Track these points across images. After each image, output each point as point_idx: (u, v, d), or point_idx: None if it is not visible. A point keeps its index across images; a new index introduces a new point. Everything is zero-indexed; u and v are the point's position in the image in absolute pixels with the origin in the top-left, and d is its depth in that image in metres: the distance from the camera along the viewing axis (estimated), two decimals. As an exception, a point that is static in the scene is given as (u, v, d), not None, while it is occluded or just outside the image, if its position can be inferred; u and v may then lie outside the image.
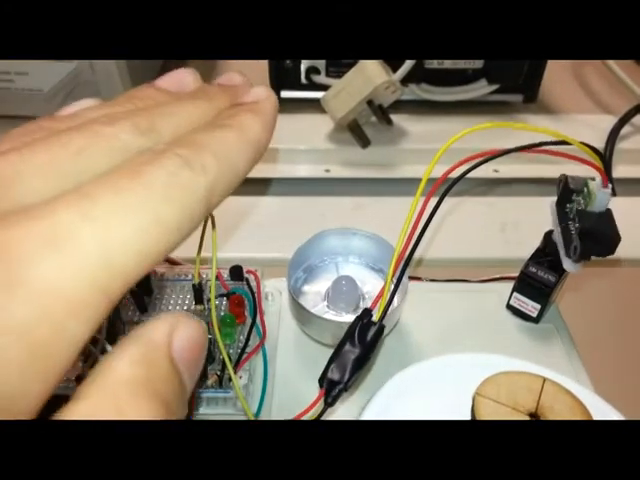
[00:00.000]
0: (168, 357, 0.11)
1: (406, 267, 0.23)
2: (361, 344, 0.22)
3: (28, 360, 0.09)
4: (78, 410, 0.09)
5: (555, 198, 0.27)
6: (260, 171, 0.44)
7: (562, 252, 0.26)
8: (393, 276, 0.23)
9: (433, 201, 0.26)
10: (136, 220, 0.10)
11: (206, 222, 0.22)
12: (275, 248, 0.35)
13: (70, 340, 0.09)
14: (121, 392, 0.10)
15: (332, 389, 0.21)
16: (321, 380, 0.21)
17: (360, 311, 0.27)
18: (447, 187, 0.25)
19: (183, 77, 0.16)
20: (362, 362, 0.21)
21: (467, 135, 0.47)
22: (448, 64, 0.47)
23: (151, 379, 0.10)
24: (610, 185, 0.25)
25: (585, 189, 0.25)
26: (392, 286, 0.23)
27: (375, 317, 0.22)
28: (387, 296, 0.22)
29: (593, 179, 0.25)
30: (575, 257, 0.25)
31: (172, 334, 0.11)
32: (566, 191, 0.26)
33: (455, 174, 0.40)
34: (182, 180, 0.11)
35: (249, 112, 0.14)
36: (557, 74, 0.51)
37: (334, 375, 0.21)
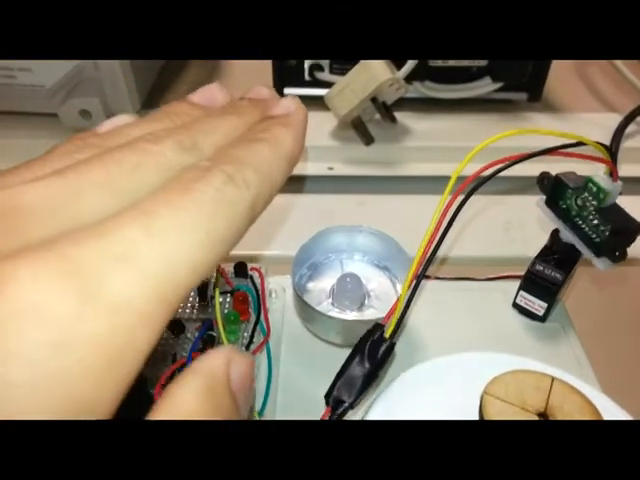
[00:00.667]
0: (228, 388, 0.12)
1: (420, 280, 0.22)
2: (370, 361, 0.21)
3: (105, 369, 0.09)
4: None
5: (540, 197, 0.27)
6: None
7: (588, 253, 0.25)
8: (409, 287, 0.22)
9: (429, 198, 0.25)
10: (191, 236, 0.11)
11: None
12: (279, 245, 0.35)
13: (140, 348, 0.10)
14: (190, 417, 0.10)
15: (338, 407, 0.20)
16: (327, 397, 0.21)
17: (364, 308, 0.27)
18: (472, 189, 0.25)
19: (214, 92, 0.17)
20: (371, 381, 0.21)
21: (471, 131, 0.47)
22: (452, 62, 0.46)
23: (215, 410, 0.11)
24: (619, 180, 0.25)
25: (591, 186, 0.25)
26: (406, 300, 0.22)
27: (386, 333, 0.22)
28: (400, 311, 0.21)
29: (597, 175, 0.25)
30: (616, 258, 0.24)
31: (229, 366, 0.12)
32: (559, 189, 0.26)
33: (443, 172, 0.40)
34: (228, 196, 0.12)
35: (281, 125, 0.15)
36: (562, 72, 0.51)
37: (341, 393, 0.20)
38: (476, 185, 0.24)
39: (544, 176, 0.27)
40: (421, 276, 0.22)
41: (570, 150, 0.25)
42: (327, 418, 0.20)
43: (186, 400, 0.11)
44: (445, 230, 0.23)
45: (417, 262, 0.22)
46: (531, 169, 0.44)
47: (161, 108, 0.15)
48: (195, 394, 0.11)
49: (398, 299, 0.22)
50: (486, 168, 0.25)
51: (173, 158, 0.13)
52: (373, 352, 0.21)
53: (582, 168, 0.27)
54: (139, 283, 0.10)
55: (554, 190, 0.26)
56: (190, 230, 0.11)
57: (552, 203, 0.26)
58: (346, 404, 0.20)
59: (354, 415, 0.24)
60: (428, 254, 0.22)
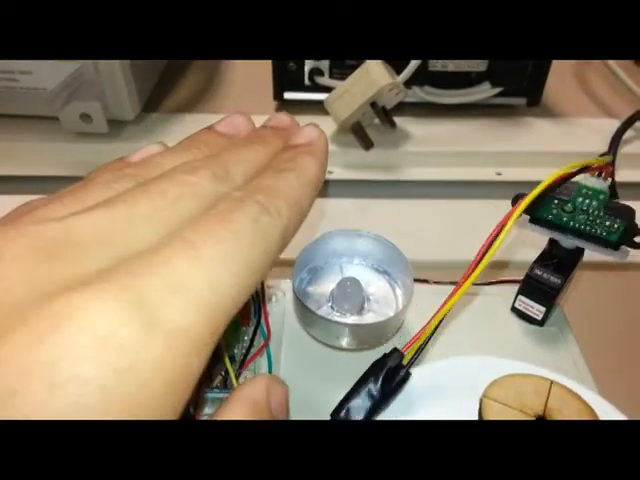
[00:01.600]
0: (270, 414, 0.13)
1: (448, 310, 0.22)
2: (383, 389, 0.20)
3: (164, 393, 0.10)
4: None
5: (521, 217, 0.27)
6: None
7: (604, 250, 0.25)
8: (440, 319, 0.21)
9: (428, 203, 0.25)
10: (233, 266, 0.12)
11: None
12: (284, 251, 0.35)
13: (194, 372, 0.11)
14: None
15: None
16: (334, 415, 0.20)
17: (364, 312, 0.27)
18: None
19: (238, 122, 0.17)
20: (380, 408, 0.20)
21: (470, 136, 0.47)
22: (452, 67, 0.47)
23: None
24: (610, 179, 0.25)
25: (586, 191, 0.25)
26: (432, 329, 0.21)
27: (404, 360, 0.21)
28: (426, 338, 0.21)
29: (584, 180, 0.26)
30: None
31: (269, 394, 0.13)
32: (541, 204, 0.26)
33: (442, 177, 0.40)
34: (263, 226, 0.13)
35: (306, 154, 0.15)
36: (560, 77, 0.52)
37: (348, 416, 0.20)
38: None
39: (519, 196, 0.27)
40: (447, 311, 0.22)
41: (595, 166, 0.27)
42: None
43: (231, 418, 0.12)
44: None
45: (459, 292, 0.22)
46: (523, 174, 0.44)
47: (188, 137, 0.16)
48: (240, 412, 0.12)
49: (424, 328, 0.21)
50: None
51: (209, 188, 0.13)
52: (388, 379, 0.20)
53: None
54: (192, 312, 0.11)
55: (535, 207, 0.26)
56: (232, 260, 0.12)
57: (537, 219, 0.27)
58: None
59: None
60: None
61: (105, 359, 0.09)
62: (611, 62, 0.49)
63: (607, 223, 0.25)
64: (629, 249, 0.25)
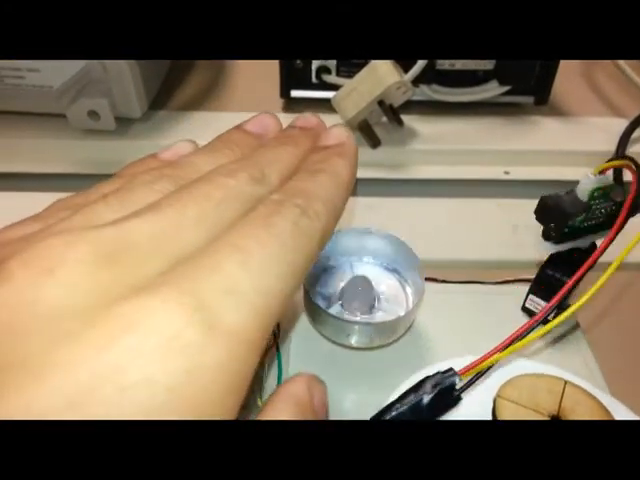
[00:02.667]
0: (314, 412, 0.13)
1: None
2: (430, 409, 0.19)
3: (225, 393, 0.10)
4: None
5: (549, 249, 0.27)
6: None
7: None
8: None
9: (435, 201, 0.25)
10: (278, 268, 0.12)
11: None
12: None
13: (250, 371, 0.11)
14: None
15: None
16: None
17: (374, 311, 0.27)
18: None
19: (267, 121, 0.18)
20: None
21: (477, 135, 0.47)
22: (459, 65, 0.47)
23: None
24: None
25: (596, 194, 0.26)
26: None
27: (458, 384, 0.20)
28: (488, 365, 0.19)
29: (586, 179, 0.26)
30: None
31: (310, 392, 0.13)
32: (567, 225, 0.26)
33: (449, 175, 0.40)
34: (304, 229, 0.13)
35: (338, 156, 0.16)
36: (568, 76, 0.51)
37: None
38: None
39: (550, 230, 0.26)
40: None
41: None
42: None
43: (280, 416, 0.12)
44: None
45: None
46: (534, 173, 0.44)
47: (218, 137, 0.17)
48: (286, 410, 0.12)
49: (488, 354, 0.20)
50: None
51: (248, 190, 0.14)
52: (438, 399, 0.19)
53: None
54: (246, 315, 0.11)
55: (563, 230, 0.26)
56: (277, 263, 0.12)
57: (559, 237, 0.26)
58: None
59: (363, 400, 0.24)
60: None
61: (172, 361, 0.10)
62: (620, 61, 0.49)
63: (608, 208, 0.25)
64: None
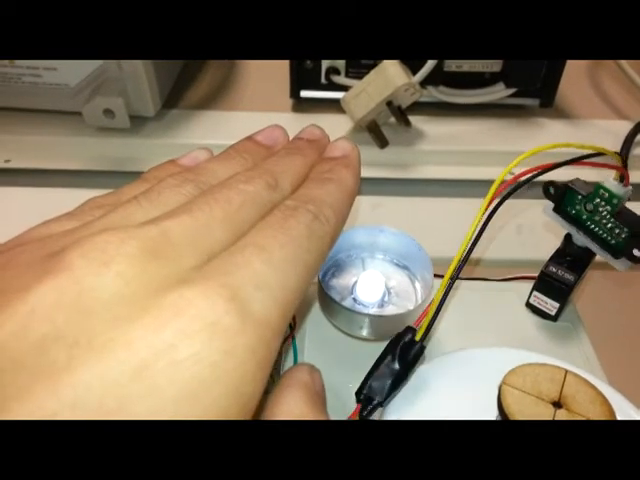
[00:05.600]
0: (316, 392, 0.15)
1: (451, 287, 0.23)
2: (401, 363, 0.22)
3: (256, 371, 0.12)
4: None
5: (547, 204, 0.28)
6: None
7: (606, 256, 0.27)
8: (442, 294, 0.23)
9: (442, 201, 0.26)
10: (295, 267, 0.14)
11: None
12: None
13: (274, 354, 0.13)
14: (307, 413, 0.14)
15: (368, 404, 0.21)
16: (358, 394, 0.22)
17: (385, 305, 0.28)
18: (502, 198, 0.26)
19: (276, 134, 0.19)
20: (400, 381, 0.22)
21: (484, 136, 0.48)
22: (466, 67, 0.48)
23: (317, 410, 0.15)
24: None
25: (602, 192, 0.26)
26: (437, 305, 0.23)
27: (417, 336, 0.23)
28: (432, 313, 0.22)
29: (603, 182, 0.26)
30: (638, 258, 0.26)
31: (312, 377, 0.16)
32: (568, 196, 0.27)
33: (456, 176, 0.41)
34: (316, 232, 0.15)
35: (343, 166, 0.17)
36: (574, 79, 0.52)
37: (371, 392, 0.22)
38: (510, 191, 0.26)
39: (550, 184, 0.28)
40: (454, 280, 0.23)
41: (593, 160, 0.27)
42: (357, 415, 0.22)
43: (297, 406, 0.14)
44: (479, 234, 0.24)
45: (454, 267, 0.23)
46: (544, 174, 0.45)
47: (232, 146, 0.18)
48: (302, 401, 0.14)
49: (431, 303, 0.23)
50: (523, 175, 0.26)
51: (264, 196, 0.15)
52: (404, 354, 0.22)
53: (585, 174, 0.29)
54: (272, 306, 0.13)
55: (563, 197, 0.27)
56: (294, 262, 0.14)
57: (560, 210, 0.28)
58: (375, 402, 0.21)
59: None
60: (462, 258, 0.24)
61: (214, 342, 0.11)
62: (624, 64, 0.49)
63: (616, 230, 0.26)
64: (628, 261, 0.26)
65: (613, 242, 0.26)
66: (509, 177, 0.25)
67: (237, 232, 0.14)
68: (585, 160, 0.26)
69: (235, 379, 0.11)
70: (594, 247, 0.27)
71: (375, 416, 0.22)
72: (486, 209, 0.24)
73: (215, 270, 0.13)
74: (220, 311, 0.11)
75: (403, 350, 0.22)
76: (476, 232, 0.23)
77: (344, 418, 0.22)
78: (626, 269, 0.26)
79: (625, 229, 0.25)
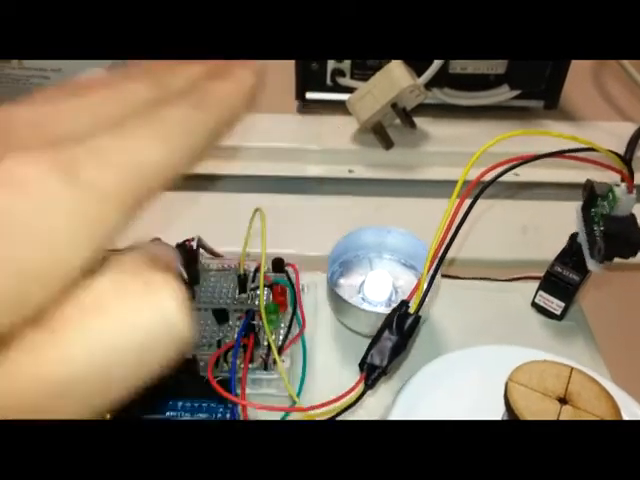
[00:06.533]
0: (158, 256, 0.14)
1: (440, 263, 0.24)
2: (399, 332, 0.23)
3: (77, 234, 0.11)
4: (100, 282, 0.12)
5: (580, 203, 0.28)
6: (280, 169, 0.45)
7: (587, 253, 0.27)
8: (428, 271, 0.24)
9: (446, 202, 0.27)
10: (153, 146, 0.13)
11: (251, 223, 0.24)
12: (304, 245, 0.37)
13: (107, 227, 0.12)
14: (137, 267, 0.13)
15: (372, 373, 0.22)
16: (361, 365, 0.23)
17: (393, 304, 0.28)
18: (480, 190, 0.27)
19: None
20: (399, 349, 0.23)
21: (488, 137, 0.48)
22: (471, 69, 0.48)
23: (155, 264, 0.13)
24: (634, 191, 0.26)
25: (610, 194, 0.27)
26: (428, 280, 0.24)
27: (411, 309, 0.24)
28: (423, 288, 0.24)
29: (618, 185, 0.26)
30: (599, 258, 0.26)
31: (156, 247, 0.14)
32: (592, 196, 0.27)
33: (457, 176, 0.42)
34: (193, 116, 0.13)
35: (238, 65, 0.16)
36: (578, 81, 0.52)
37: (374, 360, 0.23)
38: (488, 182, 0.26)
39: (587, 184, 0.28)
40: (442, 258, 0.24)
41: (580, 155, 0.27)
42: (362, 383, 0.23)
43: (127, 257, 0.13)
44: (466, 213, 0.26)
45: (437, 242, 0.24)
46: (548, 175, 0.45)
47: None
48: (134, 253, 0.13)
49: (420, 277, 0.24)
50: (495, 167, 0.27)
51: (142, 92, 0.14)
52: (401, 325, 0.24)
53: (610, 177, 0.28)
54: (109, 173, 0.12)
55: (588, 197, 0.28)
56: (155, 138, 0.13)
57: (586, 209, 0.28)
58: (379, 370, 0.22)
59: (384, 393, 0.25)
60: (448, 237, 0.25)
61: (26, 197, 0.11)
62: (628, 66, 0.50)
63: (602, 228, 0.27)
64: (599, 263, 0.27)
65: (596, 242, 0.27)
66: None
67: (94, 121, 0.13)
68: (572, 154, 0.26)
69: (54, 234, 0.11)
70: (584, 247, 0.27)
71: (381, 397, 0.23)
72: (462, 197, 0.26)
73: (50, 142, 0.12)
74: (40, 170, 0.11)
75: (399, 321, 0.24)
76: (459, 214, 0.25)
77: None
78: (598, 270, 0.27)
79: (602, 229, 0.26)
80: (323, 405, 0.22)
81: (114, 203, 0.12)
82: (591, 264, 0.27)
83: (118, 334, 0.12)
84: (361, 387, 0.23)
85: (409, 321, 0.24)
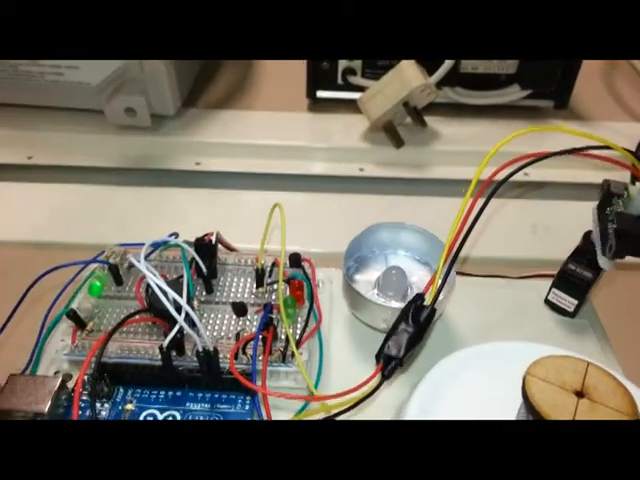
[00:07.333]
0: None
1: (455, 260, 0.25)
2: (415, 324, 0.24)
3: None
4: None
5: (596, 202, 0.29)
6: (291, 167, 0.46)
7: (599, 251, 0.27)
8: (444, 265, 0.24)
9: (456, 201, 0.27)
10: None
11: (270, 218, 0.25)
12: (316, 243, 0.37)
13: None
14: None
15: (388, 364, 0.23)
16: (378, 356, 0.23)
17: (407, 299, 0.29)
18: (494, 188, 0.27)
19: None
20: (415, 341, 0.23)
21: (498, 137, 0.48)
22: (482, 69, 0.48)
23: None
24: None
25: (625, 193, 0.27)
26: (443, 274, 0.24)
27: (427, 301, 0.24)
28: (438, 282, 0.24)
29: (634, 184, 0.27)
30: (610, 255, 0.26)
31: None
32: (607, 195, 0.27)
33: (471, 176, 0.42)
34: None
35: None
36: (588, 81, 0.53)
37: (390, 351, 0.23)
38: (502, 180, 0.26)
39: (604, 183, 0.28)
40: (457, 254, 0.25)
41: (593, 152, 0.27)
42: (379, 374, 0.23)
43: None
44: (481, 209, 0.26)
45: (452, 238, 0.25)
46: (558, 174, 0.45)
47: None
48: None
49: (436, 271, 0.24)
50: (507, 165, 0.27)
51: None
52: (417, 317, 0.24)
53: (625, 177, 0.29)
54: None
55: (604, 195, 0.28)
56: None
57: (601, 208, 0.28)
58: (396, 360, 0.23)
59: (401, 387, 0.26)
60: (463, 232, 0.25)
61: None
62: (639, 66, 0.50)
63: (614, 226, 0.27)
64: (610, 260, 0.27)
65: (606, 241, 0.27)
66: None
67: None
68: (586, 152, 0.26)
69: None
70: (597, 245, 0.28)
71: (398, 390, 0.23)
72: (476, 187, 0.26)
73: None
74: None
75: (415, 313, 0.24)
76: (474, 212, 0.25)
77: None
78: (609, 268, 0.27)
79: (614, 227, 0.26)
80: (340, 395, 0.23)
81: None
82: (602, 261, 0.27)
83: None
84: (378, 378, 0.23)
85: (425, 313, 0.24)
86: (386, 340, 0.24)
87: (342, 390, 0.23)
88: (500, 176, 0.28)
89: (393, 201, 0.44)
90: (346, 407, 0.23)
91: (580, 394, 0.20)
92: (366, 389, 0.23)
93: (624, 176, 0.28)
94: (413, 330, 0.24)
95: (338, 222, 0.40)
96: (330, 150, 0.48)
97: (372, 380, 0.23)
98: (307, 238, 0.38)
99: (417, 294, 0.25)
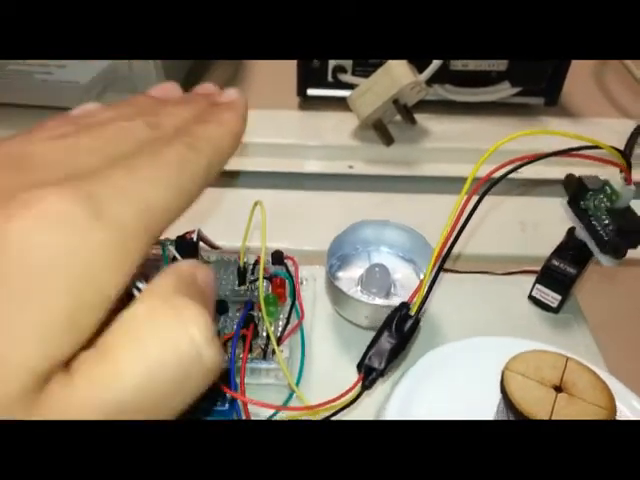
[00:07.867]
0: (195, 281, 0.15)
1: (443, 265, 0.24)
2: (398, 335, 0.23)
3: (105, 267, 0.12)
4: (137, 310, 0.13)
5: (563, 197, 0.29)
6: (281, 165, 0.46)
7: (595, 250, 0.27)
8: (432, 271, 0.24)
9: (446, 198, 0.27)
10: (163, 186, 0.14)
11: (252, 215, 0.25)
12: (303, 241, 0.37)
13: (130, 260, 0.13)
14: (170, 294, 0.14)
15: (369, 374, 0.23)
16: (359, 366, 0.23)
17: (391, 296, 0.29)
18: (487, 188, 0.27)
19: (168, 88, 0.20)
20: (398, 352, 0.23)
21: (488, 134, 0.48)
22: (472, 66, 0.48)
23: (183, 288, 0.14)
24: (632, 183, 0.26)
25: (607, 188, 0.27)
26: (429, 282, 0.24)
27: (412, 310, 0.24)
28: (424, 291, 0.24)
29: (628, 181, 0.27)
30: (617, 254, 0.26)
31: (195, 270, 0.15)
32: (581, 190, 0.27)
33: (461, 173, 0.42)
34: (188, 159, 0.15)
35: (226, 109, 0.18)
36: (578, 78, 0.53)
37: (372, 362, 0.23)
38: (492, 184, 0.26)
39: (569, 178, 0.28)
40: (444, 260, 0.24)
41: (584, 152, 0.27)
42: (360, 384, 0.23)
43: (162, 282, 0.14)
44: (469, 214, 0.25)
45: (440, 246, 0.24)
46: (546, 172, 0.45)
47: (125, 99, 0.18)
48: (171, 285, 0.14)
49: (422, 280, 0.24)
50: (500, 167, 0.27)
51: (142, 132, 0.16)
52: (400, 327, 0.24)
53: (601, 172, 0.29)
54: (130, 213, 0.13)
55: (576, 191, 0.28)
56: (160, 182, 0.14)
57: (573, 203, 0.28)
58: (377, 372, 0.22)
59: (383, 385, 0.26)
60: (450, 240, 0.24)
61: (63, 232, 0.12)
62: (630, 63, 0.50)
63: (609, 226, 0.27)
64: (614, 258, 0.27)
65: (606, 238, 0.27)
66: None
67: (107, 160, 0.14)
68: (577, 152, 0.26)
69: (84, 266, 0.12)
70: (589, 242, 0.27)
71: (379, 389, 0.23)
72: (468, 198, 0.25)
73: (73, 179, 0.13)
74: (72, 206, 0.12)
75: (399, 323, 0.24)
76: (464, 215, 0.25)
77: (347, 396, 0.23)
78: (613, 265, 0.27)
79: (615, 225, 0.26)
80: (321, 405, 0.23)
81: (134, 237, 0.13)
82: (605, 260, 0.27)
83: (152, 364, 0.12)
84: (358, 388, 0.23)
85: (409, 324, 0.24)
86: (368, 349, 0.23)
87: (323, 387, 0.23)
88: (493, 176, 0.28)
89: (383, 198, 0.44)
90: (326, 415, 0.23)
91: (559, 389, 0.20)
92: (346, 399, 0.23)
93: (608, 171, 0.28)
94: (396, 341, 0.23)
95: (327, 220, 0.40)
96: (320, 148, 0.48)
97: (353, 390, 0.23)
98: (296, 236, 0.38)
99: (402, 303, 0.25)
